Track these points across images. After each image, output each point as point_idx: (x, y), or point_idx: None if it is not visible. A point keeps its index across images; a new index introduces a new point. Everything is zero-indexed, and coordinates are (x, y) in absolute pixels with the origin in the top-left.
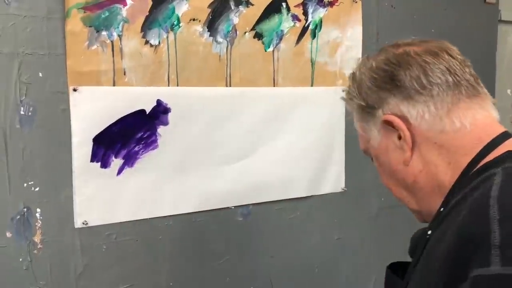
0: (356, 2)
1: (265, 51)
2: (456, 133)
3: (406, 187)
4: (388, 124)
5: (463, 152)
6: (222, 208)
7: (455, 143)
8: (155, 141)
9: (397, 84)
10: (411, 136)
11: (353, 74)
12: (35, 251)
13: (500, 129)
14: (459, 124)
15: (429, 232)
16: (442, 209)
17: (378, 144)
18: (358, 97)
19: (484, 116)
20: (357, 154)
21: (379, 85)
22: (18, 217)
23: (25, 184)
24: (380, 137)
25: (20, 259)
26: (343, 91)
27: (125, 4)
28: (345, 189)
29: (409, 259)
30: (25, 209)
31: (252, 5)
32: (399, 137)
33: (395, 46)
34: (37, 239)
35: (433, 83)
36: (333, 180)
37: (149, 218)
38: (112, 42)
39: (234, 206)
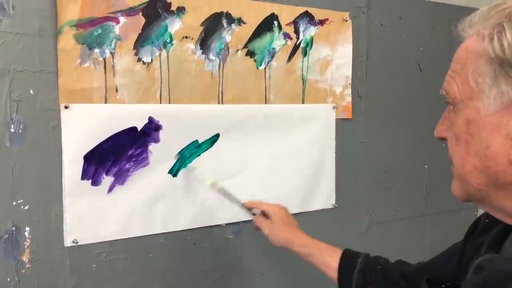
0: (347, 20)
1: (257, 68)
2: None
3: (492, 180)
4: None
5: None
6: (213, 225)
7: None
8: (146, 158)
9: None
10: None
11: None
12: (23, 271)
13: None
14: None
15: None
16: None
17: (485, 114)
18: (510, 48)
19: None
20: (348, 171)
21: None
22: (6, 236)
23: (14, 203)
24: (495, 110)
25: (8, 279)
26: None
27: (118, 22)
28: (336, 205)
29: None
30: (14, 228)
31: (244, 23)
32: None
33: None
34: (25, 258)
35: None
36: (324, 196)
37: (140, 236)
38: (104, 59)
39: (225, 224)
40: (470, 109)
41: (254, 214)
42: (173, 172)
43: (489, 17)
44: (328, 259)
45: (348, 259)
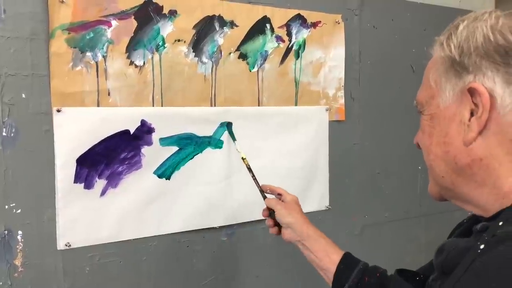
0: (339, 23)
1: (250, 71)
2: None
3: (451, 165)
4: (471, 94)
5: None
6: (207, 228)
7: None
8: (139, 161)
9: (509, 63)
10: (487, 121)
11: (462, 21)
12: (16, 274)
13: None
14: None
15: (482, 247)
16: (501, 223)
17: (444, 107)
18: (455, 49)
19: None
20: (341, 173)
21: (489, 52)
22: None
23: (6, 206)
24: (451, 102)
25: (0, 283)
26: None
27: (110, 25)
28: (329, 207)
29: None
30: (6, 232)
31: (237, 26)
32: (471, 113)
33: None
34: (18, 262)
35: None
36: (318, 198)
37: (133, 239)
38: (96, 63)
39: (219, 226)
40: (432, 106)
41: (265, 197)
42: (166, 175)
43: (445, 32)
44: (331, 250)
45: (351, 257)
